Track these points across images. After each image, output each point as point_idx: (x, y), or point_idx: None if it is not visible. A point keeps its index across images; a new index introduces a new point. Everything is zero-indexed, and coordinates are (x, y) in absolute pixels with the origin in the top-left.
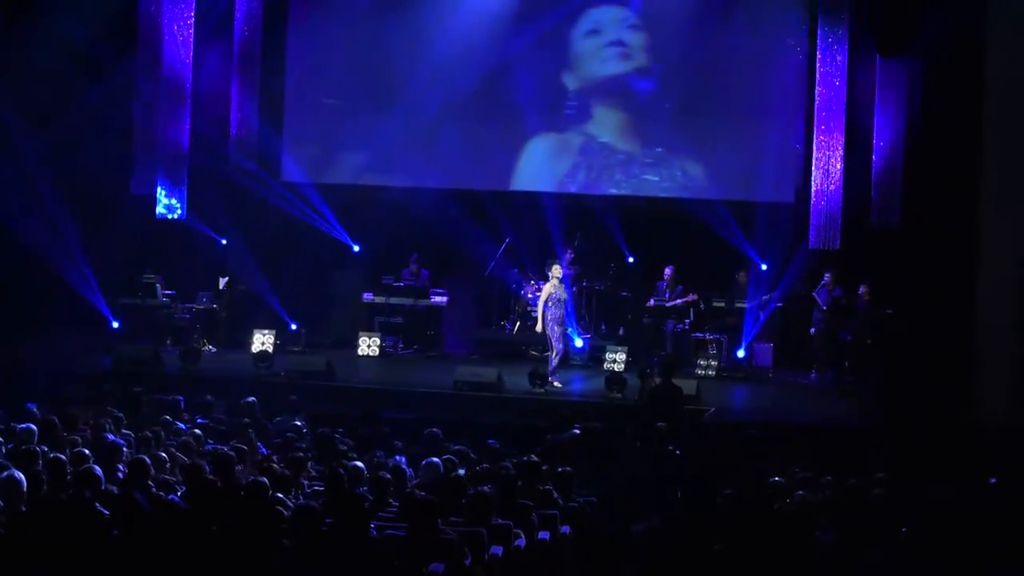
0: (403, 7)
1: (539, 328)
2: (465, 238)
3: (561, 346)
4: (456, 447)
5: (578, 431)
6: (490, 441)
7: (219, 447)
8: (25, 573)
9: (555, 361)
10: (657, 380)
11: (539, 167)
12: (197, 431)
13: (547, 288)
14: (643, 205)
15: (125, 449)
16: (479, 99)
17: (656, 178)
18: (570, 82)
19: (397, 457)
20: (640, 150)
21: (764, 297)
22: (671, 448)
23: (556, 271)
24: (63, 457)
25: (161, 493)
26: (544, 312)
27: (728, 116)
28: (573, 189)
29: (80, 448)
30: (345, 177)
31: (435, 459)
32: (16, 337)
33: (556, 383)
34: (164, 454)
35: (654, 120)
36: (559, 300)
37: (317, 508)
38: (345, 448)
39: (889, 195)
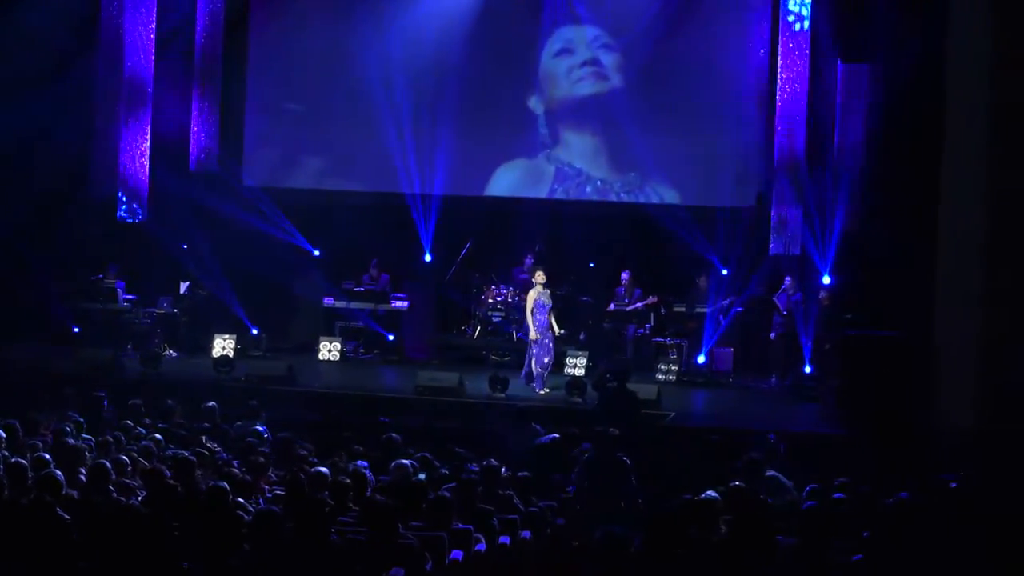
0: (364, 13)
1: (533, 336)
2: (426, 243)
3: (551, 353)
4: (418, 453)
5: (557, 436)
6: (457, 449)
7: (180, 452)
8: None
9: (549, 367)
10: (612, 386)
11: (502, 172)
12: (158, 436)
13: (532, 295)
14: (604, 210)
15: (88, 454)
16: (441, 104)
17: (619, 184)
18: (535, 94)
19: (359, 462)
20: (606, 154)
21: (724, 303)
22: (620, 456)
23: (539, 277)
24: (24, 462)
25: (122, 498)
26: (533, 319)
27: (691, 121)
28: (535, 195)
29: (40, 453)
30: (306, 182)
31: (404, 461)
32: None
33: (545, 389)
34: (125, 458)
35: (618, 126)
36: (544, 306)
37: (278, 513)
38: (305, 453)
39: (849, 199)
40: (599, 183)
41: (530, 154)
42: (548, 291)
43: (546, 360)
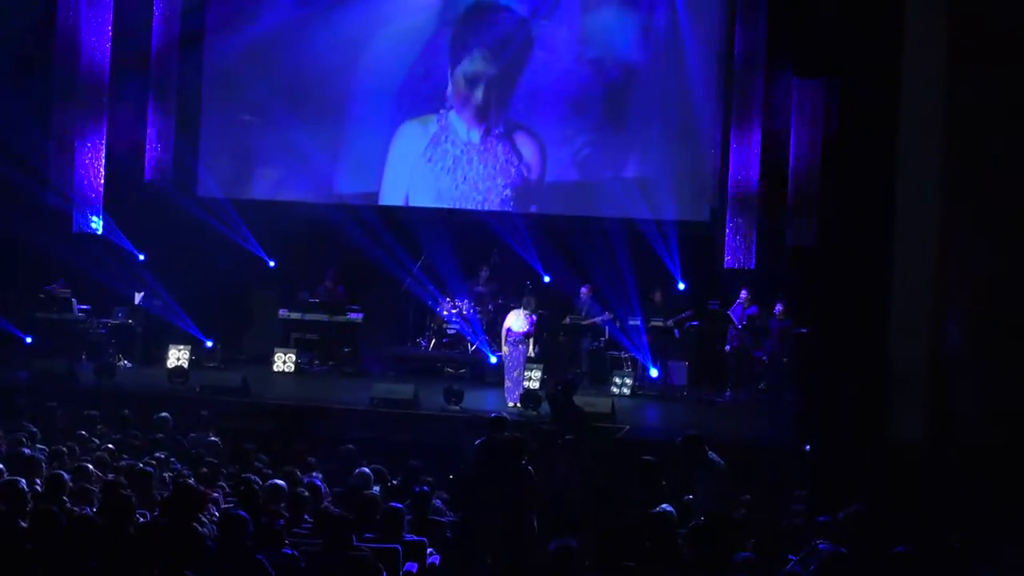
0: (319, 23)
1: (505, 351)
2: (381, 254)
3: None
4: (372, 466)
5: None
6: (411, 462)
7: (134, 462)
8: None
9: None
10: (560, 399)
11: (458, 184)
12: (111, 446)
13: (511, 317)
14: (560, 223)
15: (44, 465)
16: (397, 114)
17: (575, 195)
18: (494, 101)
19: (313, 474)
20: (562, 164)
21: (683, 316)
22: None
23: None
24: None
25: (75, 508)
26: (506, 336)
27: (646, 134)
28: (491, 206)
29: None
30: (261, 192)
31: (366, 469)
32: None
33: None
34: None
35: (576, 138)
36: (512, 331)
37: (246, 518)
38: (260, 465)
39: (804, 213)
40: (554, 193)
41: (480, 144)
42: (523, 318)
43: (514, 374)
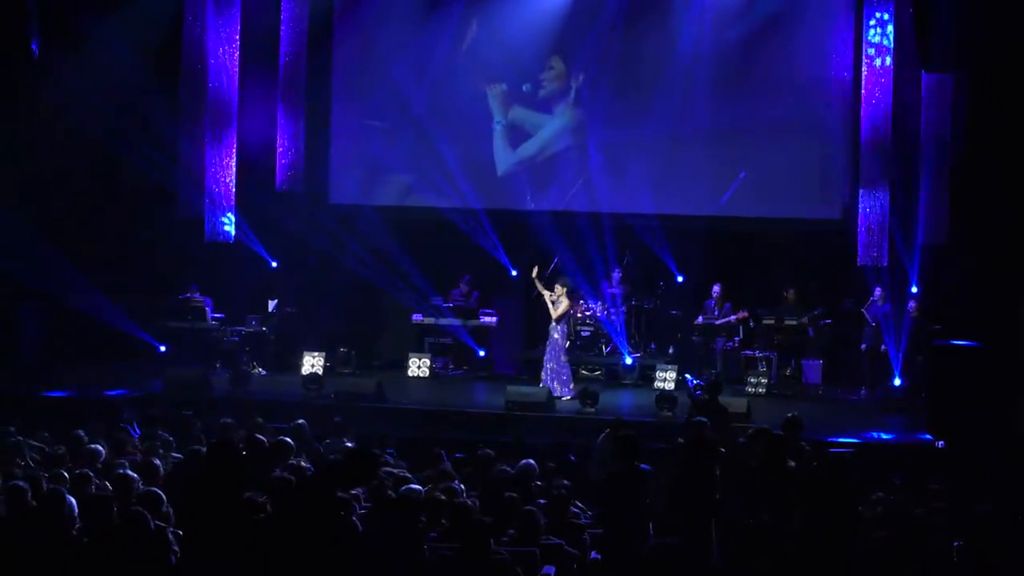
0: (449, 27)
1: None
2: (514, 258)
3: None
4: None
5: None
6: (548, 464)
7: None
8: None
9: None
10: (704, 398)
11: (590, 187)
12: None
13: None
14: (692, 223)
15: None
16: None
17: (704, 196)
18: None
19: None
20: (690, 170)
21: (813, 313)
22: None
23: (558, 290)
24: (132, 474)
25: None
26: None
27: (776, 133)
28: (621, 208)
29: (127, 471)
30: (392, 199)
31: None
32: (59, 363)
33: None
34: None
35: (705, 138)
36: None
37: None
38: (396, 471)
39: (936, 210)
40: (685, 194)
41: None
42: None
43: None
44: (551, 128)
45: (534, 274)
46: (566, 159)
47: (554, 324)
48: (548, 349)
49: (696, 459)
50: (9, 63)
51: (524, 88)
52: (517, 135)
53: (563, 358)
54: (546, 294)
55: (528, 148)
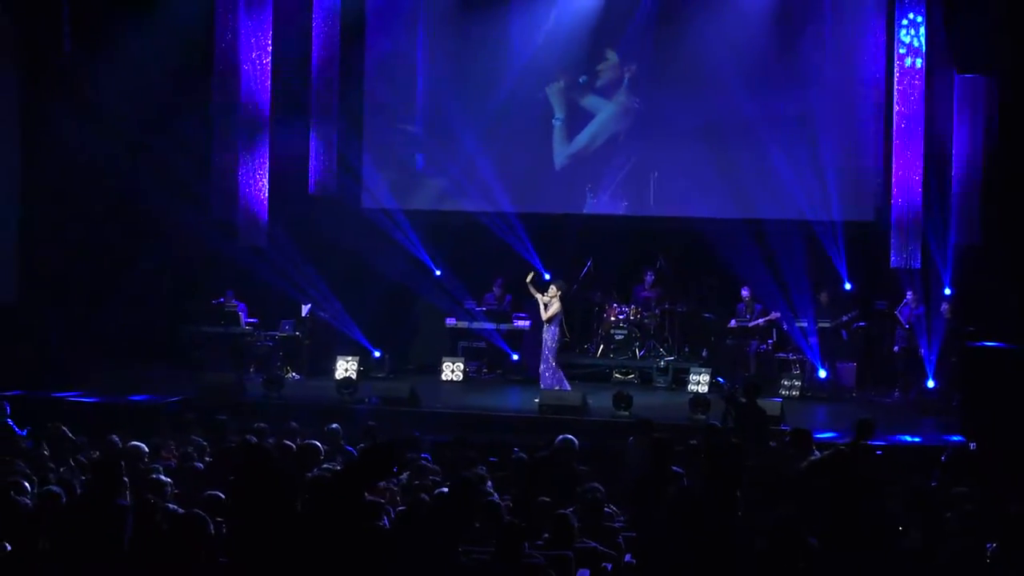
0: (481, 31)
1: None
2: (547, 261)
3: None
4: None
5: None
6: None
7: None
8: None
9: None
10: (742, 401)
11: (615, 192)
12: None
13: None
14: (723, 227)
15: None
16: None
17: (735, 201)
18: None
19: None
20: (718, 175)
21: (845, 318)
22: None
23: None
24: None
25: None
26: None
27: (807, 135)
28: (652, 212)
29: (159, 475)
30: (425, 203)
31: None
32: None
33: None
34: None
35: (732, 141)
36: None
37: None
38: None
39: (969, 211)
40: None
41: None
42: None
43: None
44: (606, 114)
45: (528, 280)
46: (611, 150)
47: (545, 326)
48: (542, 351)
49: (718, 468)
50: (45, 65)
51: (581, 80)
52: (576, 126)
53: (552, 360)
54: (539, 297)
55: (581, 139)
